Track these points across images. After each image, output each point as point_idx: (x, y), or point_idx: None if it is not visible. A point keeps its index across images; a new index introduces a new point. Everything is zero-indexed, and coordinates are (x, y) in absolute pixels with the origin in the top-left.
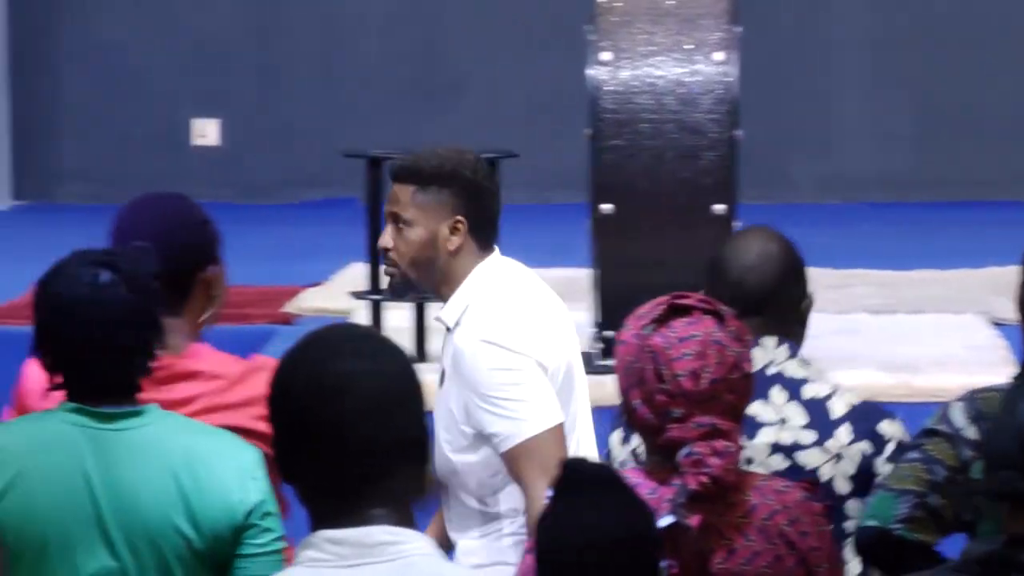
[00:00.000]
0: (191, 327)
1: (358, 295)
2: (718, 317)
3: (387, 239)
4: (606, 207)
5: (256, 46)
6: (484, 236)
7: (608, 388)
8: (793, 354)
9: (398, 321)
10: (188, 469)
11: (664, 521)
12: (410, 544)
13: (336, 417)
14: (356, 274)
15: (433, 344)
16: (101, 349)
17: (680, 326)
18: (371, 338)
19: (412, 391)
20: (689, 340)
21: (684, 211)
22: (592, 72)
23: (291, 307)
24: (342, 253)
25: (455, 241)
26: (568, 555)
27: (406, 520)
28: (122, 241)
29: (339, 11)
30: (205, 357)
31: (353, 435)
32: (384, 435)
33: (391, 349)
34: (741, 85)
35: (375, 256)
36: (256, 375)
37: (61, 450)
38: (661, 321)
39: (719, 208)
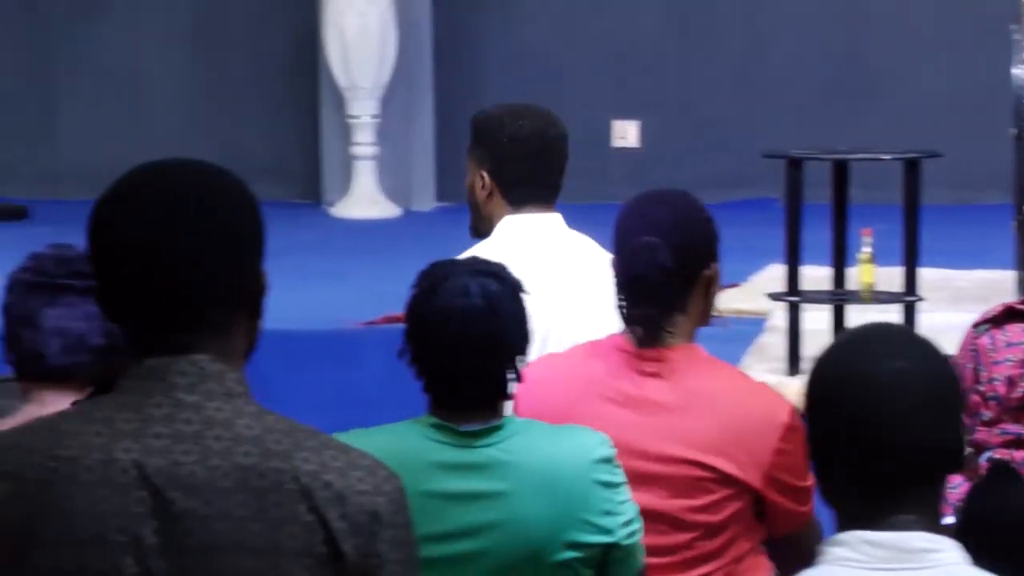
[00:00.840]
0: (689, 325)
1: (775, 296)
2: None
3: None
4: None
5: (676, 48)
6: (511, 192)
7: None
8: None
9: (814, 323)
10: (549, 488)
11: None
12: (947, 553)
13: (884, 418)
14: (774, 275)
15: None
16: (490, 360)
17: (1014, 331)
18: (916, 338)
19: (957, 395)
20: (1016, 346)
21: None
22: (1018, 71)
23: None
24: (761, 254)
25: (483, 193)
26: (1005, 533)
27: (937, 527)
28: (629, 237)
29: (759, 12)
30: (692, 362)
31: (899, 437)
32: (927, 439)
33: (935, 350)
34: None
35: (794, 257)
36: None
37: (420, 471)
38: (997, 323)
39: None
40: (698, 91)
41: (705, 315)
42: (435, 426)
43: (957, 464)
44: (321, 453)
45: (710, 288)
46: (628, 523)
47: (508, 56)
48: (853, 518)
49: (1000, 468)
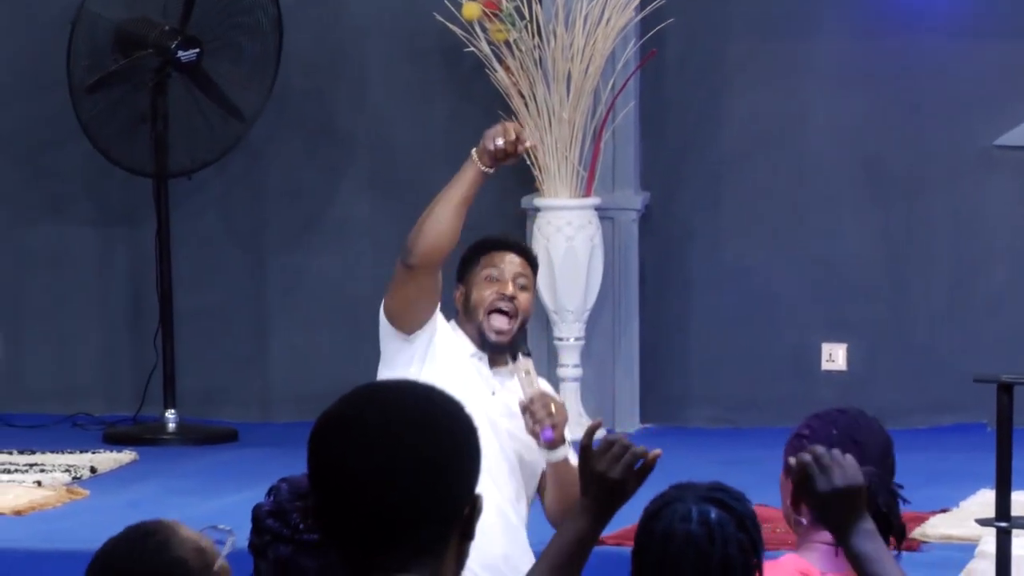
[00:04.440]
0: None
1: (984, 522)
2: None
3: (514, 290)
4: None
5: (887, 270)
6: None
7: None
8: None
9: None
10: None
11: None
12: None
13: None
14: (985, 500)
15: None
16: None
17: None
18: None
19: None
20: None
21: None
22: None
23: (918, 533)
24: (971, 479)
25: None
26: None
27: None
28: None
29: (971, 235)
30: None
31: None
32: None
33: None
34: None
35: (1004, 482)
36: None
37: None
38: None
39: None
40: (907, 313)
41: None
42: None
43: None
44: None
45: None
46: None
47: (714, 279)
48: None
49: None
